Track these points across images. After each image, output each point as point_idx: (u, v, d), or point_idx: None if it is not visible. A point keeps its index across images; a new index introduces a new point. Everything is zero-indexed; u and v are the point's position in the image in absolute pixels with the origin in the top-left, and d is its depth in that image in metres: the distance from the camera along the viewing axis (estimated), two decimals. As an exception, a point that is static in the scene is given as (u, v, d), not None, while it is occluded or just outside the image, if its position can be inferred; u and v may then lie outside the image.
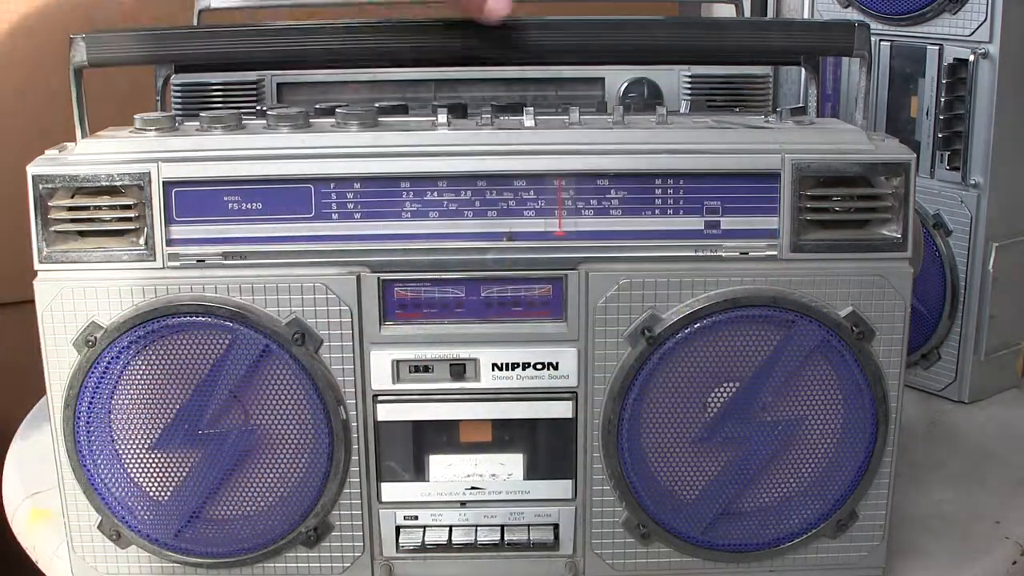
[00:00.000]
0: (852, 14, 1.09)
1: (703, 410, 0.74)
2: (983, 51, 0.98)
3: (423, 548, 0.75)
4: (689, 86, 1.16)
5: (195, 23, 1.13)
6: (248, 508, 0.74)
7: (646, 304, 0.72)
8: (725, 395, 0.74)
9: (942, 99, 1.01)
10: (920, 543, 0.83)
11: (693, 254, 0.72)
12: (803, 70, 0.86)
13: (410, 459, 0.74)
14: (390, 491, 0.74)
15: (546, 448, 0.75)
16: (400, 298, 0.72)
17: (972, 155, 1.01)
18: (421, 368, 0.73)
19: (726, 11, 1.29)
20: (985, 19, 0.97)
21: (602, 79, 1.17)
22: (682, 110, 1.06)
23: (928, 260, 1.04)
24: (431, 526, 0.75)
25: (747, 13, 1.29)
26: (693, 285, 0.72)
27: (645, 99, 1.17)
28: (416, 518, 0.75)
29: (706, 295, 0.72)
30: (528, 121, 0.74)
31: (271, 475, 0.73)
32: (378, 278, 0.71)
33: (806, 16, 1.17)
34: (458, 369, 0.73)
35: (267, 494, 0.74)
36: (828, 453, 0.75)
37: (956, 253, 1.03)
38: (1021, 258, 1.04)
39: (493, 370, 0.73)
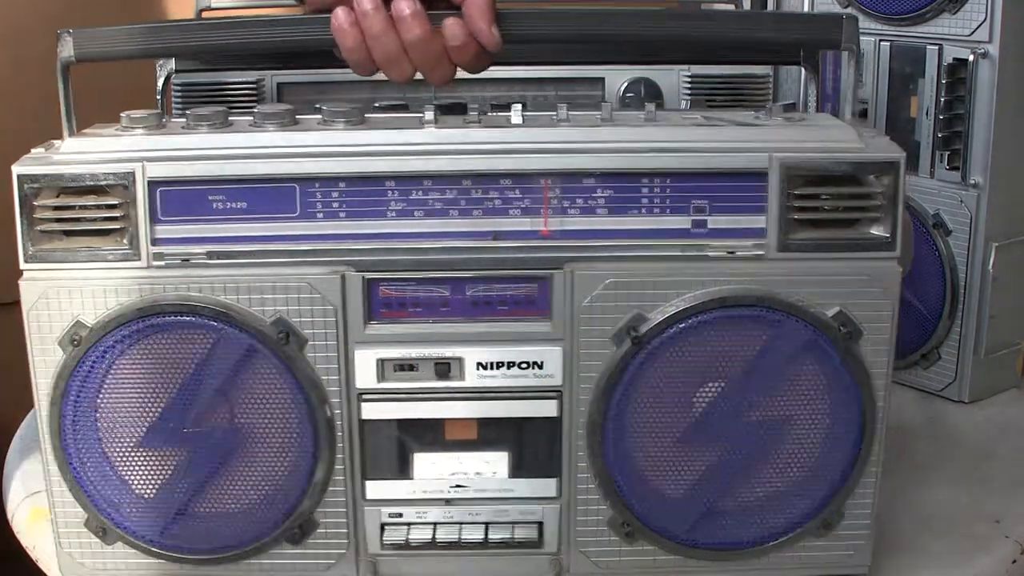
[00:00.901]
0: (852, 13, 1.04)
1: (689, 409, 0.69)
2: (983, 51, 0.93)
3: (407, 546, 0.69)
4: (689, 86, 1.10)
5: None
6: (233, 505, 0.69)
7: (632, 304, 0.67)
8: (711, 394, 0.68)
9: (942, 99, 0.97)
10: (920, 542, 0.79)
11: (680, 253, 0.67)
12: (803, 70, 0.82)
13: (395, 457, 0.69)
14: (375, 489, 0.69)
15: (531, 446, 0.69)
16: (385, 297, 0.68)
17: (972, 155, 0.96)
18: (406, 367, 0.68)
19: None
20: (985, 19, 0.93)
21: (602, 79, 1.11)
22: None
23: (928, 260, 0.99)
24: (416, 524, 0.70)
25: None
26: (679, 285, 0.67)
27: (644, 99, 1.10)
28: (401, 515, 0.70)
29: (692, 295, 0.67)
30: (516, 118, 0.69)
31: (256, 473, 0.68)
32: (363, 277, 0.66)
33: None
34: (443, 368, 0.68)
35: (252, 492, 0.69)
36: (814, 453, 0.70)
37: (956, 253, 0.99)
38: (1021, 258, 0.99)
39: (478, 369, 0.68)
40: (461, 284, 0.68)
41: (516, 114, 0.69)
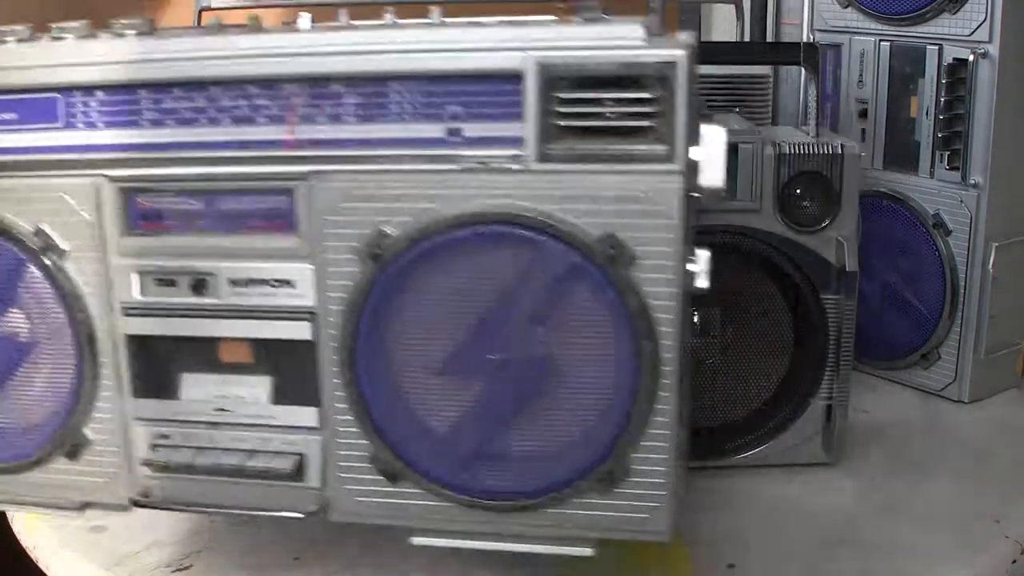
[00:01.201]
0: (852, 14, 0.95)
1: (447, 338, 0.58)
2: (983, 51, 0.86)
3: (169, 468, 0.62)
4: None
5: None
6: (16, 417, 0.64)
7: (377, 219, 0.57)
8: (470, 322, 0.58)
9: (942, 99, 0.89)
10: (920, 542, 0.71)
11: (430, 166, 0.57)
12: (803, 70, 0.74)
13: (160, 376, 0.62)
14: (143, 407, 0.63)
15: (290, 372, 0.61)
16: (142, 208, 0.61)
17: (972, 155, 0.89)
18: (165, 282, 0.62)
19: (726, 10, 1.15)
20: (985, 19, 0.86)
21: None
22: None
23: (928, 260, 0.92)
24: (181, 446, 0.63)
25: (747, 12, 1.11)
26: (429, 199, 0.57)
27: None
28: (168, 437, 0.63)
29: (440, 209, 0.57)
30: (304, 24, 0.62)
31: (31, 385, 0.63)
32: (118, 188, 0.60)
33: (806, 16, 1.01)
34: (199, 284, 0.61)
35: (30, 404, 0.64)
36: (586, 395, 0.57)
37: (956, 253, 0.91)
38: (1021, 258, 0.91)
39: (231, 286, 0.60)
40: (214, 197, 0.60)
41: (304, 21, 0.62)
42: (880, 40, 0.93)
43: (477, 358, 0.58)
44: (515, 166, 0.57)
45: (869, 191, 0.92)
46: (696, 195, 0.58)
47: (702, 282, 0.60)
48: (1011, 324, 0.93)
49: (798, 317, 0.74)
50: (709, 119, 0.58)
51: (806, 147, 0.74)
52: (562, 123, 0.56)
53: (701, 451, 0.75)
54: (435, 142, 0.58)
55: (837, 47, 0.97)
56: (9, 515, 0.77)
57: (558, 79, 0.56)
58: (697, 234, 0.71)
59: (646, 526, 0.59)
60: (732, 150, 0.71)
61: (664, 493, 0.58)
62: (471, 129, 0.57)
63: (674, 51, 0.55)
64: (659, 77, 0.55)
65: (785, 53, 0.88)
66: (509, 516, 0.60)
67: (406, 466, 0.60)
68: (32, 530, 0.75)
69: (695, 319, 0.74)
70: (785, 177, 0.73)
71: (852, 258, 0.73)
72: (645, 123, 0.55)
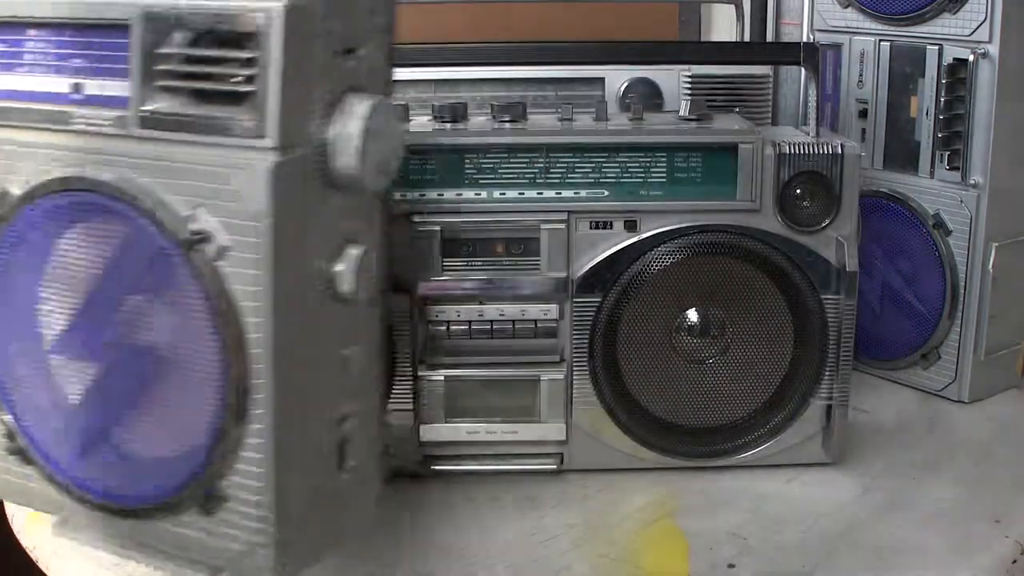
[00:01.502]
0: (852, 14, 0.88)
1: (63, 313, 0.50)
2: (983, 51, 0.81)
3: None
4: (689, 86, 0.89)
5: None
6: None
7: (7, 177, 0.50)
8: (79, 299, 0.49)
9: (942, 99, 0.84)
10: (920, 541, 0.67)
11: (50, 124, 0.49)
12: (803, 70, 0.72)
13: None
14: None
15: None
16: None
17: (972, 155, 0.83)
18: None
19: (726, 10, 1.04)
20: (985, 19, 0.81)
21: (602, 79, 0.94)
22: (682, 111, 0.79)
23: (928, 260, 0.87)
24: None
25: (747, 12, 0.98)
26: (46, 160, 0.49)
27: (644, 99, 0.93)
28: None
29: (52, 172, 0.49)
30: None
31: None
32: None
33: (806, 16, 0.92)
34: None
35: None
36: (183, 400, 0.48)
37: (956, 253, 0.86)
38: (1021, 258, 0.86)
39: None
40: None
41: None
42: (880, 40, 0.87)
43: (84, 339, 0.50)
44: (117, 131, 0.48)
45: (869, 191, 0.87)
46: (334, 179, 0.47)
47: (346, 286, 0.48)
48: (1011, 324, 0.88)
49: (798, 317, 0.70)
50: (360, 92, 0.46)
51: (806, 147, 0.69)
52: (164, 83, 0.46)
53: (701, 451, 0.72)
54: (60, 98, 0.50)
55: (837, 47, 0.90)
56: (9, 515, 0.74)
57: (162, 32, 0.46)
58: (698, 233, 0.64)
59: (247, 562, 0.48)
60: (732, 150, 0.68)
61: (263, 527, 0.47)
62: (92, 86, 0.49)
63: (269, 4, 0.43)
64: (253, 34, 0.44)
65: (785, 53, 0.82)
66: (122, 522, 0.51)
67: (31, 448, 0.53)
68: (32, 530, 0.71)
69: (695, 319, 0.69)
70: (785, 177, 0.69)
71: (852, 258, 0.69)
72: (246, 89, 0.44)
